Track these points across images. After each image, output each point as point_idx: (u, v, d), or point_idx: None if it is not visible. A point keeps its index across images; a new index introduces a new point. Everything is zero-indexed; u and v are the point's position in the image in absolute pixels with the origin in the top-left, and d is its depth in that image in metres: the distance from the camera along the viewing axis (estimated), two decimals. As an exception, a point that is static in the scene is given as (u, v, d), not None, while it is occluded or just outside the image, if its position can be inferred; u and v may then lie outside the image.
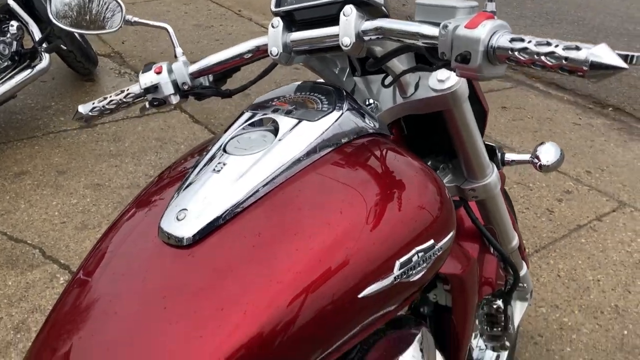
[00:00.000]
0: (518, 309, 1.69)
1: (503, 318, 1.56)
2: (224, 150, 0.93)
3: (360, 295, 0.81)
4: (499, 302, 1.56)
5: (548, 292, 2.28)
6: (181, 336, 0.74)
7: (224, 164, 0.90)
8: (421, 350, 0.97)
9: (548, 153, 1.36)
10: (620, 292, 2.30)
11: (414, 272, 0.88)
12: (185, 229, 0.83)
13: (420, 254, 0.88)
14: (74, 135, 3.18)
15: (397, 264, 0.85)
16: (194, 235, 0.82)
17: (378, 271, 0.83)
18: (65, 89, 3.72)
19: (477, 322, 1.64)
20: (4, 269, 2.19)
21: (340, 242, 0.82)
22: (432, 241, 0.90)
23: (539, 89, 4.33)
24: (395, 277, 0.85)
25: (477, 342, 1.85)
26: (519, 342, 2.01)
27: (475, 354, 1.81)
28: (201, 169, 0.92)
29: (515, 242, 1.51)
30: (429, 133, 1.27)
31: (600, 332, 2.10)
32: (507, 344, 1.62)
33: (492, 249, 1.48)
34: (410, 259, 0.87)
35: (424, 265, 0.89)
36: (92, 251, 0.93)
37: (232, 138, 0.96)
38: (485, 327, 1.62)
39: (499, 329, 1.59)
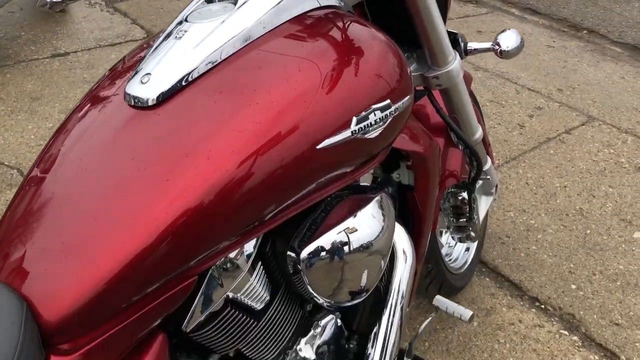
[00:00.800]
0: (483, 203, 1.77)
1: (468, 209, 1.64)
2: (186, 20, 0.96)
3: (318, 147, 0.86)
4: (464, 194, 1.63)
5: (516, 198, 2.37)
6: (149, 181, 0.79)
7: (185, 31, 0.93)
8: (381, 208, 1.03)
9: (508, 39, 1.40)
10: (585, 197, 2.39)
11: (370, 129, 0.92)
12: (150, 91, 0.86)
13: (377, 112, 0.93)
14: (47, 64, 3.14)
15: (354, 119, 0.90)
16: (157, 97, 0.85)
17: (336, 124, 0.88)
18: (34, 19, 3.65)
19: (444, 215, 1.72)
20: (-19, 188, 2.22)
21: (299, 96, 0.86)
22: (388, 101, 0.94)
23: (515, 14, 4.34)
24: (352, 132, 0.90)
25: (446, 239, 1.94)
26: (487, 242, 2.10)
27: (444, 250, 1.89)
28: (164, 39, 0.95)
29: (479, 134, 1.56)
30: (393, 21, 1.30)
31: (565, 232, 2.20)
32: (473, 234, 1.70)
33: (456, 141, 1.53)
34: (367, 116, 0.91)
35: (381, 124, 0.94)
36: (63, 123, 0.96)
37: (193, 11, 0.99)
38: (452, 219, 1.70)
39: (465, 219, 1.67)
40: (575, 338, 1.78)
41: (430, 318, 1.35)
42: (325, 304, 1.03)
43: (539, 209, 2.32)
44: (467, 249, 1.91)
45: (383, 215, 1.04)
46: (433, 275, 1.71)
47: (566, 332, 1.80)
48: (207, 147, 0.80)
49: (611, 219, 2.27)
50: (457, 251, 1.91)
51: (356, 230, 0.99)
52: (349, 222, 0.98)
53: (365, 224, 1.00)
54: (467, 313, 1.34)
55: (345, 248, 0.97)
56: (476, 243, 1.93)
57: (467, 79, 1.63)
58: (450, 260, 1.86)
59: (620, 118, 2.99)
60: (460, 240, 1.75)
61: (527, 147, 2.71)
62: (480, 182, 1.71)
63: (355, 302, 1.08)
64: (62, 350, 0.72)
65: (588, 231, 2.21)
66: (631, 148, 2.74)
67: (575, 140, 2.78)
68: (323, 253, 0.95)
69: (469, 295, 1.92)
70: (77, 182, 0.82)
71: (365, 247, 1.00)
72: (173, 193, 0.78)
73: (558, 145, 2.74)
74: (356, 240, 0.98)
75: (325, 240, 0.95)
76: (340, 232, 0.96)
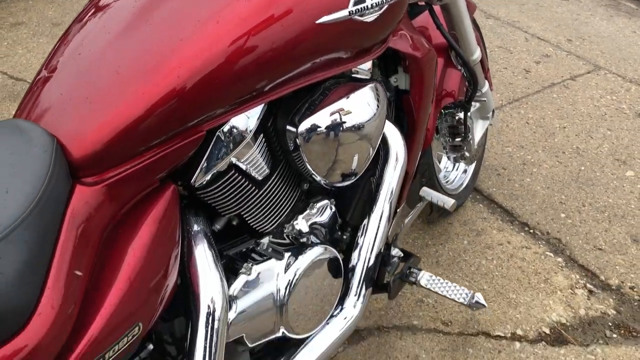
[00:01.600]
0: (480, 126, 1.85)
1: (463, 128, 1.73)
2: None
3: (317, 21, 0.95)
4: (460, 114, 1.72)
5: (515, 136, 2.45)
6: (165, 40, 0.89)
7: None
8: (374, 95, 1.12)
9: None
10: (583, 137, 2.47)
11: (367, 12, 1.01)
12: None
13: None
14: (67, -6, 3.24)
15: (352, 0, 0.99)
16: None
17: (334, 3, 0.97)
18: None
19: (441, 136, 1.81)
20: (6, 102, 2.34)
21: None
22: (384, -13, 1.03)
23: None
24: (349, 12, 0.99)
25: (444, 164, 2.04)
26: (483, 173, 2.20)
27: (442, 174, 1.99)
28: None
29: (477, 55, 1.64)
30: None
31: (560, 167, 2.29)
32: (467, 154, 1.80)
33: (455, 60, 1.62)
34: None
35: (377, 9, 1.03)
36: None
37: None
38: (448, 139, 1.79)
39: (460, 139, 1.76)
40: (559, 259, 1.89)
41: (416, 208, 1.46)
42: (322, 182, 1.14)
43: (536, 146, 2.40)
44: (465, 171, 2.01)
45: (376, 101, 1.14)
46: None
47: (551, 254, 1.91)
48: (217, 13, 0.90)
49: (606, 158, 2.35)
50: (453, 175, 2.00)
51: (350, 112, 1.09)
52: (344, 104, 1.08)
53: (359, 106, 1.10)
54: (449, 202, 1.45)
55: (339, 126, 1.07)
56: (473, 168, 2.03)
57: (470, 5, 1.70)
58: (447, 182, 1.96)
59: (627, 69, 3.03)
60: (456, 160, 1.85)
61: (531, 91, 2.77)
62: (477, 105, 1.80)
63: (346, 183, 1.19)
64: (86, 182, 0.84)
65: (582, 168, 2.29)
66: (634, 96, 2.80)
67: (579, 87, 2.84)
68: (319, 128, 1.05)
69: (462, 218, 2.02)
70: (102, 42, 0.92)
71: (357, 128, 1.10)
72: (186, 52, 0.88)
73: (562, 90, 2.80)
74: (350, 120, 1.08)
75: (322, 116, 1.05)
76: (335, 111, 1.06)
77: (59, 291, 0.76)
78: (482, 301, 1.34)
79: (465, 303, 1.35)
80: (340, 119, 1.07)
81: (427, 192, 1.49)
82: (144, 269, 0.88)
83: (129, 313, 0.85)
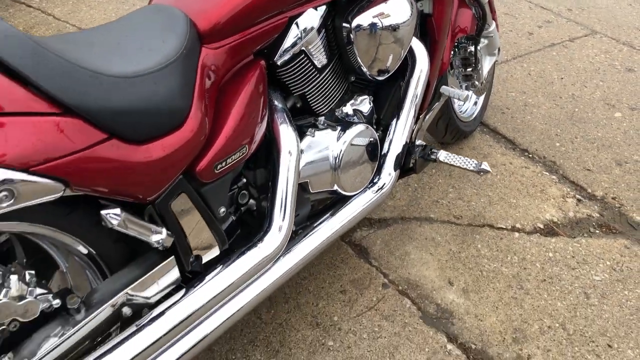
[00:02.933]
0: (487, 61, 2.18)
1: (474, 59, 2.06)
2: None
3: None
4: (471, 48, 2.05)
5: (519, 84, 2.78)
6: None
7: None
8: (409, 5, 1.46)
9: None
10: (578, 86, 2.79)
11: None
12: None
13: None
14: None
15: None
16: None
17: None
18: None
19: (455, 68, 2.14)
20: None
21: None
22: None
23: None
24: None
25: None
26: (489, 112, 2.53)
27: (456, 107, 2.32)
28: None
29: (485, -3, 1.97)
30: None
31: (557, 109, 2.61)
32: (477, 83, 2.12)
33: (468, 1, 1.95)
34: None
35: None
36: None
37: None
38: (461, 69, 2.11)
39: (471, 69, 2.09)
40: (553, 177, 2.22)
41: (435, 106, 1.80)
42: (365, 73, 1.47)
43: (537, 92, 2.73)
44: (475, 103, 2.34)
45: (409, 11, 1.47)
46: (446, 120, 2.14)
47: (547, 173, 2.23)
48: None
49: (597, 102, 2.68)
50: (466, 106, 2.33)
51: (390, 15, 1.43)
52: (386, 8, 1.41)
53: (397, 11, 1.43)
54: (464, 94, 1.78)
55: (382, 25, 1.41)
56: (481, 102, 2.36)
57: None
58: (461, 112, 2.29)
59: (620, 33, 3.35)
60: (467, 88, 2.18)
61: (533, 49, 3.10)
62: (485, 41, 2.13)
63: (381, 78, 1.52)
64: (209, 46, 1.17)
65: (576, 109, 2.62)
66: (625, 55, 3.11)
67: (576, 47, 3.16)
68: (367, 26, 1.39)
69: (471, 144, 2.35)
70: None
71: (393, 29, 1.44)
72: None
73: (561, 49, 3.12)
74: (390, 21, 1.42)
75: (369, 16, 1.38)
76: (379, 13, 1.40)
77: (199, 111, 1.10)
78: (488, 168, 1.67)
79: (475, 170, 1.68)
80: (383, 19, 1.41)
81: (445, 89, 1.82)
82: (247, 112, 1.22)
83: (239, 138, 1.19)
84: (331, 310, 1.62)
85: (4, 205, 0.82)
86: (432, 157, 1.72)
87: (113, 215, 0.98)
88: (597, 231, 1.98)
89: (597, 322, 1.65)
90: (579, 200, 2.11)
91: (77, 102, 0.90)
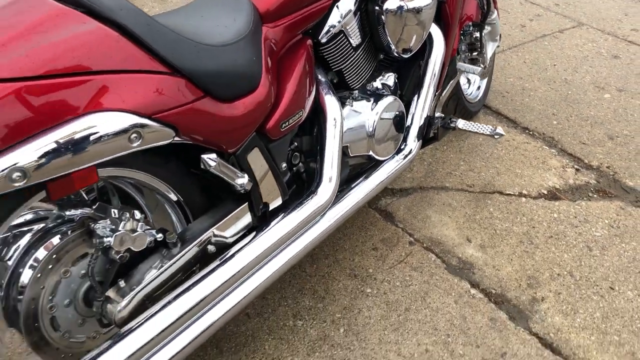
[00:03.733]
0: (490, 46, 2.39)
1: (479, 44, 2.27)
2: None
3: None
4: (477, 34, 2.26)
5: (515, 71, 3.00)
6: None
7: None
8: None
9: None
10: (569, 72, 3.02)
11: None
12: None
13: None
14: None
15: None
16: None
17: None
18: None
19: (462, 53, 2.35)
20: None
21: None
22: None
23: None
24: None
25: (464, 83, 2.58)
26: (490, 96, 2.74)
27: (464, 89, 2.53)
28: None
29: (490, -15, 2.18)
30: None
31: (552, 92, 2.84)
32: (482, 66, 2.33)
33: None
34: None
35: None
36: None
37: None
38: (467, 54, 2.33)
39: (477, 53, 2.30)
40: (553, 150, 2.43)
41: (451, 82, 2.00)
42: (393, 51, 1.67)
43: (533, 77, 2.95)
44: (479, 88, 2.55)
45: (431, -1, 1.69)
46: (455, 101, 2.35)
47: (547, 147, 2.45)
48: None
49: (588, 85, 2.90)
50: (471, 89, 2.55)
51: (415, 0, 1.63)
52: (412, -8, 1.63)
53: (421, -3, 1.65)
54: (477, 69, 1.99)
55: (409, 6, 1.61)
56: (484, 86, 2.57)
57: None
58: (467, 94, 2.50)
59: (605, 25, 3.59)
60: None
61: (526, 40, 3.33)
62: (488, 28, 2.34)
63: (406, 56, 1.72)
64: (268, 26, 1.36)
65: (569, 92, 2.84)
66: (610, 44, 3.35)
67: (566, 37, 3.40)
68: (396, 7, 1.59)
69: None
70: None
71: (418, 12, 1.64)
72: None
73: (552, 39, 3.36)
74: (415, 4, 1.62)
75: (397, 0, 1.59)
76: (405, -3, 1.61)
77: (267, 78, 1.29)
78: (502, 131, 1.88)
79: (491, 134, 1.89)
80: (409, 3, 1.61)
81: (461, 65, 2.04)
82: (300, 82, 1.41)
83: (296, 103, 1.38)
84: (366, 264, 1.81)
85: (134, 145, 1.01)
86: (452, 125, 1.93)
87: (211, 159, 1.17)
88: (595, 195, 2.20)
89: (600, 269, 1.86)
90: (577, 169, 2.32)
91: (182, 64, 1.09)
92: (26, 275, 1.09)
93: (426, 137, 1.89)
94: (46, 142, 0.91)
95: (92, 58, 0.97)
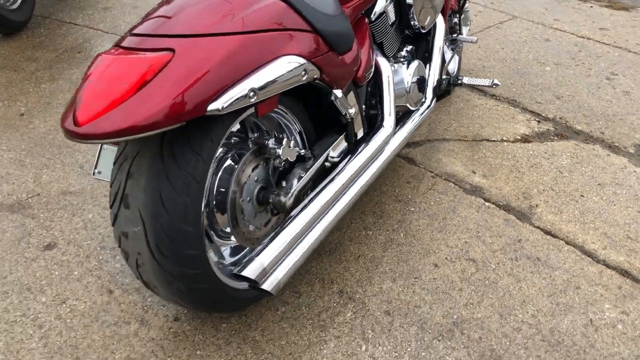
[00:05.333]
0: (464, 30, 3.01)
1: (458, 27, 2.87)
2: None
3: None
4: (455, 19, 2.86)
5: (474, 54, 3.64)
6: None
7: None
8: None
9: None
10: (515, 53, 3.70)
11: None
12: None
13: None
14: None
15: None
16: None
17: None
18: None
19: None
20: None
21: None
22: None
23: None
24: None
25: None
26: (460, 73, 3.35)
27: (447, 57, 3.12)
28: None
29: (464, -21, 2.78)
30: None
31: (506, 68, 3.49)
32: (461, 46, 2.93)
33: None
34: None
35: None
36: None
37: None
38: (449, 35, 2.92)
39: (456, 34, 2.90)
40: (517, 109, 3.05)
41: (457, 49, 2.58)
42: (415, 26, 2.22)
43: (489, 58, 3.60)
44: (457, 63, 3.16)
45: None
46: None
47: (512, 107, 3.07)
48: None
49: (532, 62, 3.58)
50: (452, 65, 3.14)
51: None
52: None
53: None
54: (474, 38, 2.58)
55: (429, -7, 2.17)
56: (457, 61, 3.18)
57: None
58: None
59: (533, 17, 4.33)
60: (453, 50, 2.99)
61: (476, 31, 3.99)
62: (462, 15, 2.95)
63: (424, 31, 2.28)
64: (344, 6, 1.87)
65: (519, 67, 3.51)
66: (541, 31, 4.08)
67: (506, 27, 4.09)
68: (421, -7, 2.14)
69: (454, 95, 3.16)
70: None
71: (435, -2, 2.20)
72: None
73: (495, 30, 4.04)
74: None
75: (422, -13, 2.14)
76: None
77: (355, 42, 1.80)
78: (498, 82, 2.46)
79: (491, 84, 2.47)
80: (430, -11, 2.17)
81: (461, 37, 2.62)
82: (370, 47, 1.92)
83: (369, 61, 1.89)
84: (405, 192, 2.34)
85: (303, 79, 1.48)
86: (459, 82, 2.50)
87: (337, 94, 1.66)
88: (555, 138, 2.83)
89: (571, 185, 2.47)
90: (538, 121, 2.95)
91: (318, 27, 1.57)
92: (227, 180, 1.54)
93: (439, 93, 2.45)
94: (265, 74, 1.37)
95: (277, 20, 1.44)
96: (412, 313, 1.80)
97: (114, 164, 1.44)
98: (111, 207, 1.43)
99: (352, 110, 1.76)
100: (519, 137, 2.80)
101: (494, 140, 2.76)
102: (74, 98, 1.26)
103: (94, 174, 1.70)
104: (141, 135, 1.21)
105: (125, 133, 1.20)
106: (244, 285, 1.60)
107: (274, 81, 1.38)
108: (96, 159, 1.69)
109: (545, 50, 3.75)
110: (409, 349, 1.69)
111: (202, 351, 1.63)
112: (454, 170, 2.51)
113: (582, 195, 2.40)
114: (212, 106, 1.27)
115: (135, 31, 1.35)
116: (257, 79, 1.35)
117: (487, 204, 2.31)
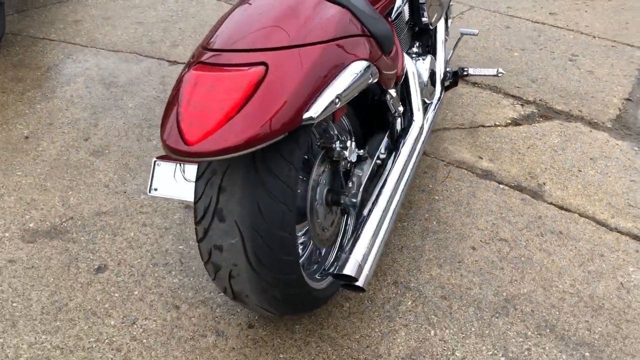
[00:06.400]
0: (450, 21, 3.13)
1: (446, 19, 2.98)
2: None
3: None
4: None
5: (447, 44, 3.78)
6: None
7: None
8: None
9: None
10: (483, 41, 3.86)
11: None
12: None
13: None
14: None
15: None
16: None
17: None
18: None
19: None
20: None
21: None
22: None
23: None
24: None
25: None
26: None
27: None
28: None
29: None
30: None
31: (479, 56, 3.65)
32: (448, 29, 3.04)
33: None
34: None
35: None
36: None
37: None
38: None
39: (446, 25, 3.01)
40: (500, 95, 3.21)
41: (458, 42, 2.68)
42: (423, 22, 2.30)
43: (461, 47, 3.74)
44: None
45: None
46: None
47: (495, 93, 3.22)
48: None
49: (500, 48, 3.76)
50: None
51: (442, -13, 2.28)
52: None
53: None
54: (475, 31, 2.70)
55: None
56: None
57: None
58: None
59: (489, 6, 4.53)
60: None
61: (442, 22, 4.15)
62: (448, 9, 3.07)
63: (432, 27, 2.37)
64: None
65: (490, 54, 3.67)
66: (499, 19, 4.27)
67: (467, 17, 4.27)
68: (432, -7, 2.23)
69: (440, 85, 3.28)
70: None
71: (443, -2, 2.30)
72: None
73: (459, 19, 4.20)
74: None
75: (434, -13, 2.23)
76: (437, -14, 2.25)
77: (397, 50, 1.86)
78: (502, 70, 2.59)
79: (496, 74, 2.59)
80: (439, -10, 2.26)
81: (462, 30, 2.73)
82: (400, 46, 1.99)
83: (403, 59, 1.96)
84: (425, 182, 2.43)
85: (369, 81, 1.53)
86: (465, 73, 2.61)
87: (393, 93, 1.72)
88: (541, 119, 3.01)
89: (568, 161, 2.64)
90: (522, 105, 3.12)
91: (373, 30, 1.62)
92: (304, 184, 1.57)
93: (445, 85, 2.56)
94: (344, 80, 1.41)
95: (345, 27, 1.49)
96: (466, 295, 1.89)
97: (197, 180, 1.44)
98: (198, 222, 1.44)
99: (400, 108, 1.82)
100: (510, 121, 2.95)
101: (489, 126, 2.90)
102: (169, 116, 1.28)
103: (149, 191, 1.68)
104: (251, 149, 1.24)
105: (239, 149, 1.23)
106: (322, 285, 1.64)
107: (351, 86, 1.43)
108: (150, 177, 1.68)
109: (508, 37, 3.95)
110: (472, 329, 1.78)
111: (284, 354, 1.66)
112: (462, 157, 2.62)
113: (579, 170, 2.58)
114: (307, 115, 1.31)
115: (215, 47, 1.36)
116: (339, 85, 1.39)
117: (501, 186, 2.44)
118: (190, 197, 1.65)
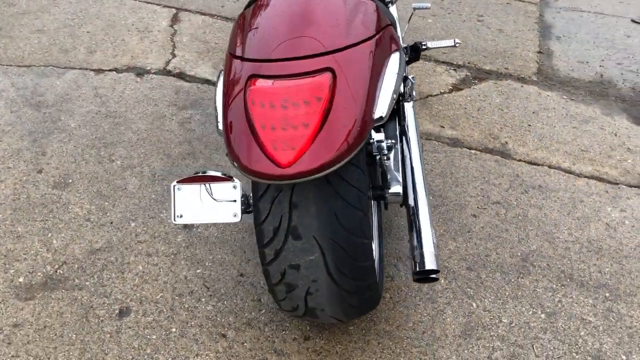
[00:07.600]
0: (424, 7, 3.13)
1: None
2: None
3: None
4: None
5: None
6: None
7: None
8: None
9: None
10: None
11: None
12: None
13: None
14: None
15: None
16: None
17: None
18: None
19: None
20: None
21: None
22: None
23: None
24: None
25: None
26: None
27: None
28: None
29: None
30: None
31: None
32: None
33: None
34: None
35: None
36: None
37: None
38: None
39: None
40: (432, 63, 3.30)
41: (410, 19, 2.69)
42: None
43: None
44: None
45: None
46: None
47: (427, 62, 3.31)
48: None
49: (414, 17, 3.86)
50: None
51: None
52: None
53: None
54: (428, 4, 2.73)
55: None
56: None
57: None
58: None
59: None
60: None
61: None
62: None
63: (393, 4, 2.36)
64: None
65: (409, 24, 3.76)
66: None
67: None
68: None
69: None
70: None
71: None
72: None
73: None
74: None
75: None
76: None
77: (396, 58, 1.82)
78: (459, 40, 2.66)
79: (454, 44, 2.65)
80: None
81: (415, 5, 2.74)
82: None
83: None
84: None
85: (405, 71, 1.50)
86: (424, 47, 2.63)
87: (412, 79, 1.69)
88: (476, 81, 3.14)
89: (516, 118, 2.79)
90: (454, 69, 3.24)
91: (391, 19, 1.58)
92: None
93: (407, 60, 2.57)
94: (390, 74, 1.37)
95: (379, 20, 1.43)
96: (487, 262, 1.96)
97: (258, 201, 1.35)
98: (267, 245, 1.35)
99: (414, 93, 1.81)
100: (451, 87, 3.05)
101: (436, 94, 2.97)
102: (241, 141, 1.20)
103: (174, 219, 1.54)
104: (345, 160, 1.20)
105: (334, 163, 1.22)
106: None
107: (398, 78, 1.40)
108: (172, 205, 1.54)
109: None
110: (507, 293, 1.85)
111: (351, 359, 1.62)
112: (426, 129, 2.68)
113: (529, 125, 2.75)
114: (377, 115, 1.28)
115: (263, 56, 1.28)
116: (391, 79, 1.36)
117: (472, 151, 2.53)
118: (222, 218, 1.52)
